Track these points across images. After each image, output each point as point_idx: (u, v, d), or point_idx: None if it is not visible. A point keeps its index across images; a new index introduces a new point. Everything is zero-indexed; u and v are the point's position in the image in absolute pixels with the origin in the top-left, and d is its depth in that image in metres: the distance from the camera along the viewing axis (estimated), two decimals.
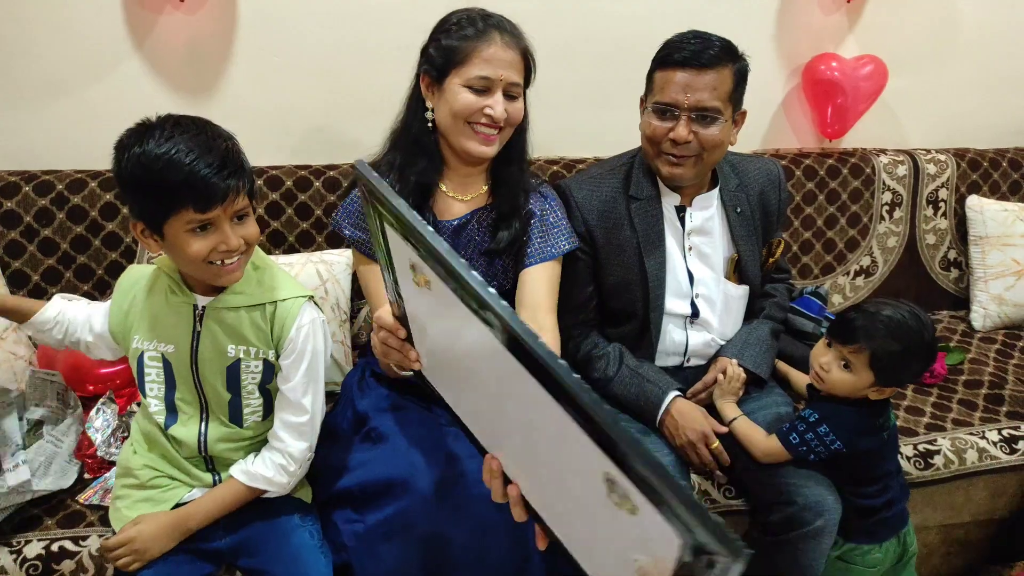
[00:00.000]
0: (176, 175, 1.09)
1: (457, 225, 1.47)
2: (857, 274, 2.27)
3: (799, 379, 1.72)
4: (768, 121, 2.30)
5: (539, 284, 1.46)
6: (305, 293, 1.32)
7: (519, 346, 0.62)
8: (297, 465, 1.32)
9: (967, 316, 2.27)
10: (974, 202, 2.25)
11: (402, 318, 0.90)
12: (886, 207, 2.25)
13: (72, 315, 1.36)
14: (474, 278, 0.65)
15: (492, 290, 0.64)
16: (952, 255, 2.32)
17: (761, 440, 1.48)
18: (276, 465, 1.31)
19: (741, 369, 1.59)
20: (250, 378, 1.29)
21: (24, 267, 1.84)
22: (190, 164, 1.09)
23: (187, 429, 1.30)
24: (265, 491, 1.33)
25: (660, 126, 1.49)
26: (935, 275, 2.32)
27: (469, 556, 1.23)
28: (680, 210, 1.61)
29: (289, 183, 1.93)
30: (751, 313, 1.71)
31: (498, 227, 1.46)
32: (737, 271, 1.65)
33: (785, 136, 2.31)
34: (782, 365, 1.77)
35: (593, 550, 0.74)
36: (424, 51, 1.44)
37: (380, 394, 1.47)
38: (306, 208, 1.92)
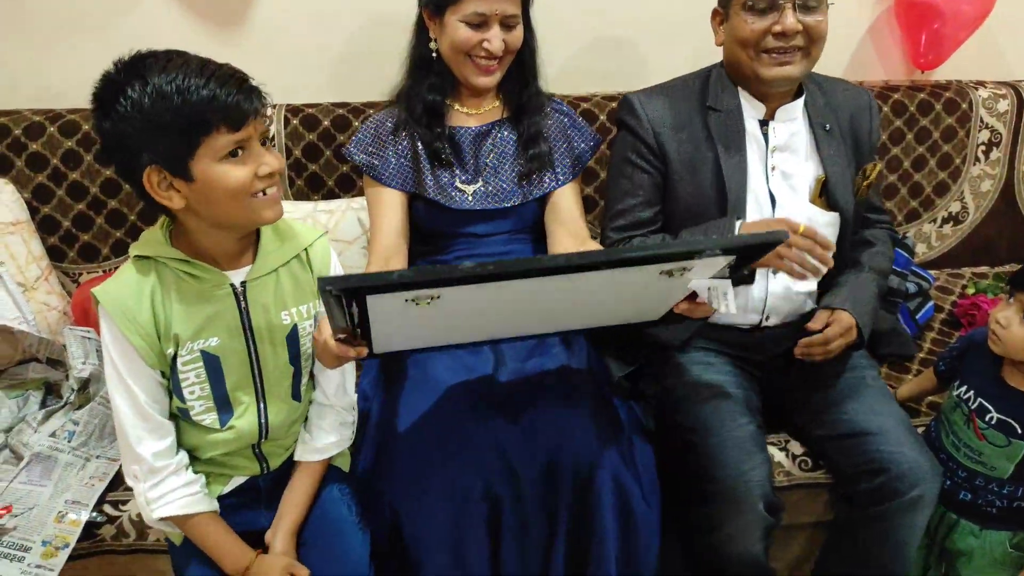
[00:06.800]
0: (200, 97, 0.97)
1: (477, 132, 1.51)
2: (945, 221, 2.07)
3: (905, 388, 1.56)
4: (852, 49, 2.06)
5: (572, 201, 1.54)
6: (321, 231, 1.24)
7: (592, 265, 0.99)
8: (354, 415, 1.29)
9: None
10: None
11: (350, 333, 1.05)
12: (982, 147, 2.03)
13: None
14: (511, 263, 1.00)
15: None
16: None
17: None
18: (337, 425, 1.26)
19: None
20: (308, 341, 1.19)
21: (54, 213, 1.76)
22: (208, 84, 0.97)
23: (246, 419, 1.18)
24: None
25: (760, 23, 1.35)
26: None
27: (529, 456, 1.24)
28: (763, 124, 1.45)
29: (327, 122, 1.79)
30: (842, 259, 1.49)
31: (527, 147, 1.50)
32: (824, 195, 1.46)
33: (871, 67, 2.07)
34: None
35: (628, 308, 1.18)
36: None
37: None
38: None
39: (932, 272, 2.01)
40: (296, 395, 1.22)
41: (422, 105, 1.46)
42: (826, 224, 1.46)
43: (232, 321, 1.12)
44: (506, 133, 1.52)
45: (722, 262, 1.05)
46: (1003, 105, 2.01)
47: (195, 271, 1.09)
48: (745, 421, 1.37)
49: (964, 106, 1.99)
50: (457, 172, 1.49)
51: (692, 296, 1.15)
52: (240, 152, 1.02)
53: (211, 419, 1.16)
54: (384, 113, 1.52)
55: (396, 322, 1.06)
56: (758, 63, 1.38)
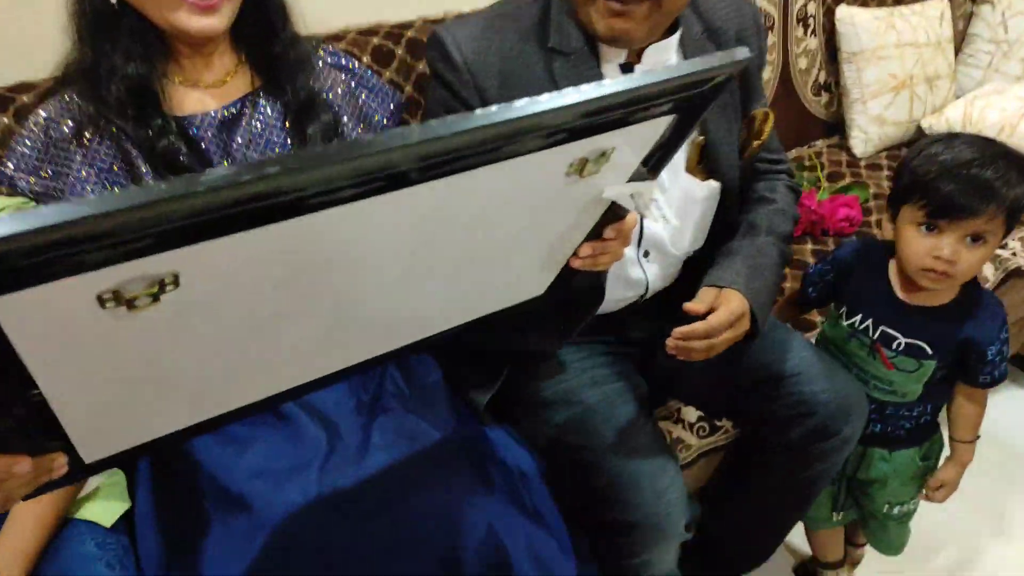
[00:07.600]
0: None
1: (223, 120, 1.00)
2: None
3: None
4: None
5: None
6: None
7: (436, 159, 0.54)
8: None
9: (844, 143, 2.08)
10: (844, 13, 1.98)
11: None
12: None
13: None
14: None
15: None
16: (822, 77, 2.07)
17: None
18: None
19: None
20: None
21: None
22: None
23: None
24: None
25: None
26: (808, 103, 2.07)
27: None
28: (625, 69, 1.07)
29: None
30: (726, 225, 1.20)
31: (302, 123, 1.03)
32: (704, 161, 1.15)
33: None
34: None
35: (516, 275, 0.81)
36: None
37: None
38: None
39: None
40: None
41: (122, 85, 0.92)
42: (704, 198, 1.14)
43: None
44: (266, 110, 1.03)
45: (653, 132, 0.71)
46: None
47: None
48: (642, 422, 1.12)
49: None
50: None
51: (595, 233, 0.81)
52: None
53: None
54: (52, 107, 0.95)
55: (97, 372, 0.54)
56: (591, 8, 0.98)
